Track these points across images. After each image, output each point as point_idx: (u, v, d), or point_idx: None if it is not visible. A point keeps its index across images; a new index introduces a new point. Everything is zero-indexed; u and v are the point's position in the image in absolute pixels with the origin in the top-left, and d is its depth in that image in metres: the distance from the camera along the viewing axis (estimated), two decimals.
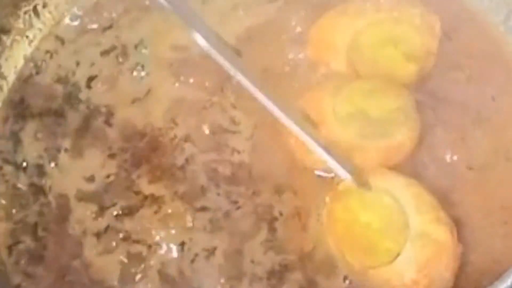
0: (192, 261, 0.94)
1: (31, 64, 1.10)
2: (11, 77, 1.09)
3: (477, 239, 0.92)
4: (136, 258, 0.94)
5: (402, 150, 0.96)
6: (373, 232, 0.89)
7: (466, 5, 1.09)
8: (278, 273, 0.92)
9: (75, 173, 1.01)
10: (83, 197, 0.99)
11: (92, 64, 1.09)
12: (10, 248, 0.97)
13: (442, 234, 0.88)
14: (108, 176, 1.00)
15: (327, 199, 0.94)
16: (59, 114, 1.05)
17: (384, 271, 0.88)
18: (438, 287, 0.88)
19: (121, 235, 0.96)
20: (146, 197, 0.98)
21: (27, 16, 1.11)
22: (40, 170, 1.02)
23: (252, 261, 0.93)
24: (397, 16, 1.03)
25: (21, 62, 1.10)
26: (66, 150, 1.03)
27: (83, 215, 0.98)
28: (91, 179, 1.00)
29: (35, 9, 1.11)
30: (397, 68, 1.00)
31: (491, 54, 1.05)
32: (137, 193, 0.98)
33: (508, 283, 0.78)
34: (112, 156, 1.01)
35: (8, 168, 1.02)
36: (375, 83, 0.99)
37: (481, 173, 0.97)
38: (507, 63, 1.05)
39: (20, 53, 1.10)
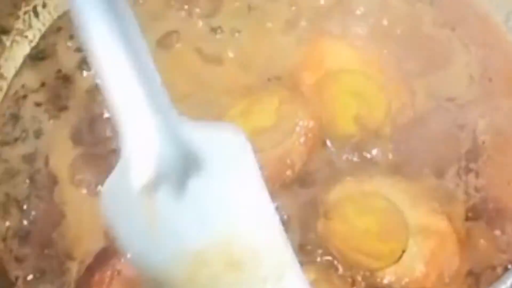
0: None
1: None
2: (11, 78, 1.09)
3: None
4: None
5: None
6: (374, 236, 0.89)
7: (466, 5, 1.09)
8: None
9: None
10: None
11: None
12: (4, 239, 0.97)
13: (441, 223, 0.89)
14: None
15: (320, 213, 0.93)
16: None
17: (393, 270, 0.88)
18: (450, 274, 0.88)
19: None
20: None
21: (27, 17, 1.11)
22: (38, 133, 1.02)
23: None
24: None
25: (21, 63, 1.10)
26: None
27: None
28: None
29: (34, 10, 1.11)
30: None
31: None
32: None
33: (508, 284, 0.78)
34: None
35: (5, 149, 1.02)
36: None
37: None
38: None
39: (20, 53, 1.10)
